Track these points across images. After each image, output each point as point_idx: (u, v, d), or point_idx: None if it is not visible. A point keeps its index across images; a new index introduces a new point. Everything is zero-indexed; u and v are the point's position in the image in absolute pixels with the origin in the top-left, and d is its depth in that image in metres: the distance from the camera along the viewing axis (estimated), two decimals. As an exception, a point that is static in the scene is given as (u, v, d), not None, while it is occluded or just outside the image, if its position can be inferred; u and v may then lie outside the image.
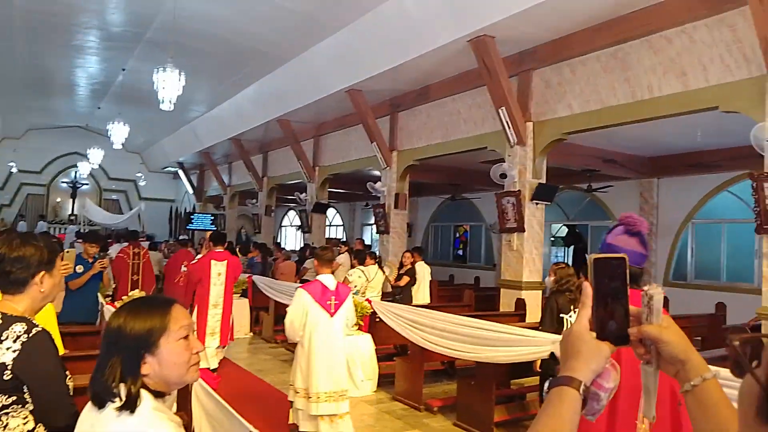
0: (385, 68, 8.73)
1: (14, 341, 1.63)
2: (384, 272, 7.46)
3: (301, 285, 4.96)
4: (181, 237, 20.50)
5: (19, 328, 1.66)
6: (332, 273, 4.53)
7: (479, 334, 4.51)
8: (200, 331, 6.02)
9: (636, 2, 6.08)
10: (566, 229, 14.16)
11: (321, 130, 13.02)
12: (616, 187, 11.20)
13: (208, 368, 5.97)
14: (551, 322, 4.44)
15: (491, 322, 4.70)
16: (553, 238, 14.59)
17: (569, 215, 13.39)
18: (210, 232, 7.79)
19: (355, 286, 6.95)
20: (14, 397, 1.61)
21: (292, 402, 4.39)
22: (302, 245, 13.28)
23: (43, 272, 1.79)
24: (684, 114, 6.14)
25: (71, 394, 1.71)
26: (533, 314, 7.11)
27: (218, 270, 6.25)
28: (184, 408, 2.90)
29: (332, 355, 4.30)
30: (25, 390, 1.63)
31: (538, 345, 4.11)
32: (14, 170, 21.49)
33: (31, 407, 1.64)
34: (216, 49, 10.10)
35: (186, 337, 1.39)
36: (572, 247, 14.13)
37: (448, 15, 7.21)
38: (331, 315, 4.34)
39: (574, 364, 0.89)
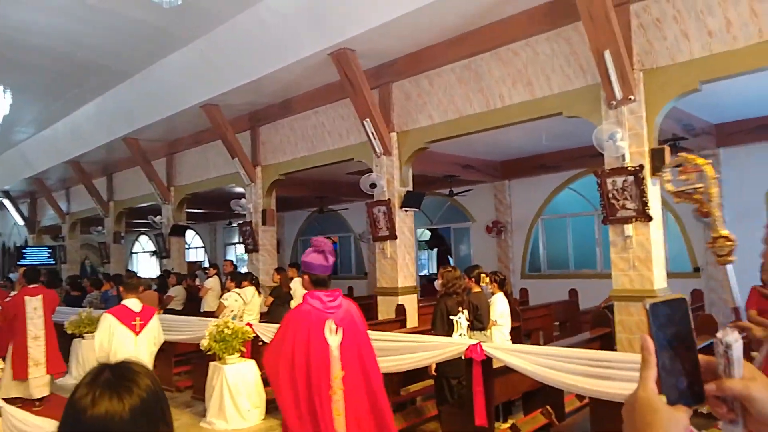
0: (243, 82, 8.43)
1: None
2: (260, 294, 7.13)
3: (106, 310, 5.33)
4: (11, 274, 18.04)
5: None
6: (137, 298, 5.07)
7: (378, 346, 4.45)
8: (22, 362, 6.47)
9: (484, 18, 6.49)
10: (429, 233, 14.74)
11: (174, 147, 12.20)
12: (474, 190, 11.92)
13: (31, 398, 6.42)
14: (442, 324, 4.54)
15: (387, 332, 4.67)
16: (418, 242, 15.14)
17: (432, 219, 13.99)
18: (23, 269, 7.97)
19: (232, 311, 6.55)
20: None
21: None
22: (162, 272, 12.30)
23: None
24: (532, 120, 6.67)
25: None
26: (412, 319, 7.26)
27: (33, 305, 6.68)
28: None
29: None
30: None
31: (434, 349, 4.16)
32: None
33: None
34: (47, 62, 8.97)
35: None
36: (435, 250, 14.73)
37: (307, 28, 7.14)
38: (137, 334, 4.89)
39: None
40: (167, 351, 7.68)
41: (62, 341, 7.27)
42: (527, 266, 11.89)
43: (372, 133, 7.61)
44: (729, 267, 2.38)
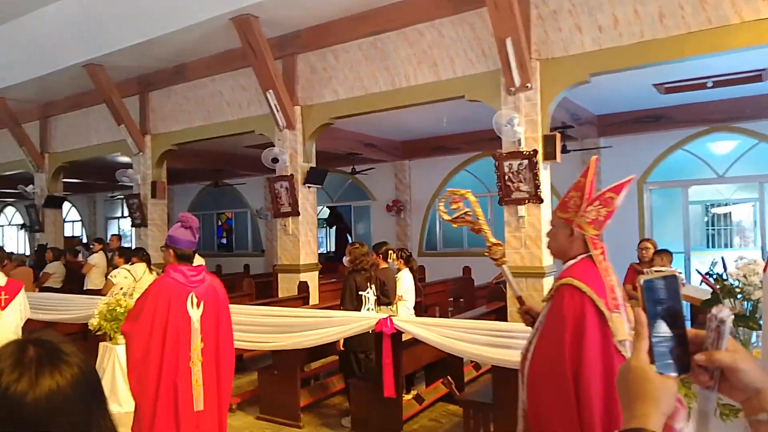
0: (132, 42, 7.79)
1: None
2: (152, 271, 6.72)
3: None
4: None
5: None
6: (2, 272, 4.88)
7: (282, 322, 4.40)
8: None
9: (388, -4, 6.48)
10: (328, 211, 14.70)
11: (50, 110, 11.06)
12: (376, 169, 12.03)
13: None
14: (351, 300, 4.57)
15: (296, 308, 4.61)
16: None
17: (332, 197, 13.94)
18: None
19: (121, 288, 6.13)
20: None
21: None
22: (38, 247, 11.20)
23: None
24: (437, 101, 6.81)
25: None
26: (314, 296, 7.23)
27: None
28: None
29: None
30: None
31: (344, 324, 4.18)
32: None
33: None
34: None
35: None
36: (334, 228, 14.74)
37: (207, -11, 6.73)
38: (2, 309, 4.73)
39: (643, 409, 0.78)
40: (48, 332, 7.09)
41: None
42: (424, 244, 12.26)
43: (275, 106, 7.38)
44: (505, 267, 2.73)
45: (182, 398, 3.10)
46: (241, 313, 4.88)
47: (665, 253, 5.97)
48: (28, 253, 14.81)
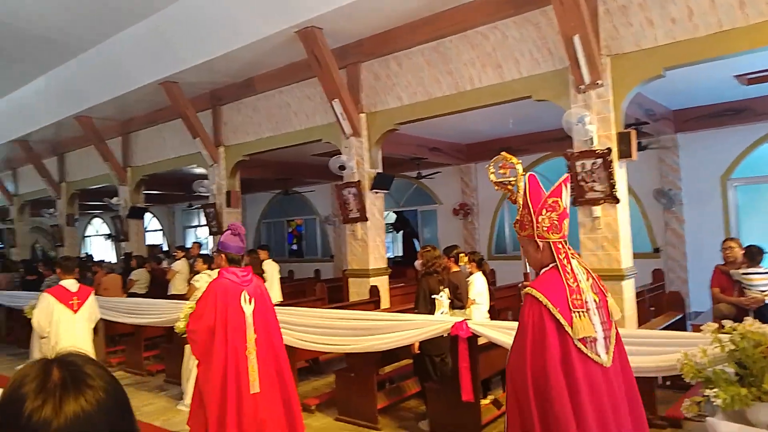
0: (202, 60, 8.15)
1: None
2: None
3: (45, 289, 5.71)
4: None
5: None
6: (75, 279, 5.46)
7: (357, 326, 4.47)
8: None
9: (448, 2, 6.45)
10: (394, 216, 14.78)
11: (129, 126, 11.76)
12: (442, 172, 12.00)
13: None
14: (425, 303, 4.58)
15: (367, 311, 4.69)
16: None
17: (399, 202, 14.02)
18: None
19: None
20: None
21: None
22: (123, 255, 11.90)
23: None
24: (502, 103, 6.72)
25: None
26: (385, 300, 7.30)
27: None
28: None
29: (75, 344, 4.93)
30: None
31: (419, 327, 4.20)
32: None
33: None
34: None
35: None
36: (401, 232, 14.80)
37: (272, 5, 6.96)
38: (75, 312, 5.30)
39: None
40: (136, 336, 7.55)
41: (19, 325, 7.01)
42: (493, 248, 12.09)
43: (341, 114, 7.52)
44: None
45: (242, 383, 3.54)
46: (315, 316, 5.00)
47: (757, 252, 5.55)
48: (115, 260, 15.75)
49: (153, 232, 20.58)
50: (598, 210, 5.64)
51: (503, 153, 2.58)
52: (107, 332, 8.24)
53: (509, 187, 2.61)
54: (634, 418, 2.18)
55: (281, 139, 8.97)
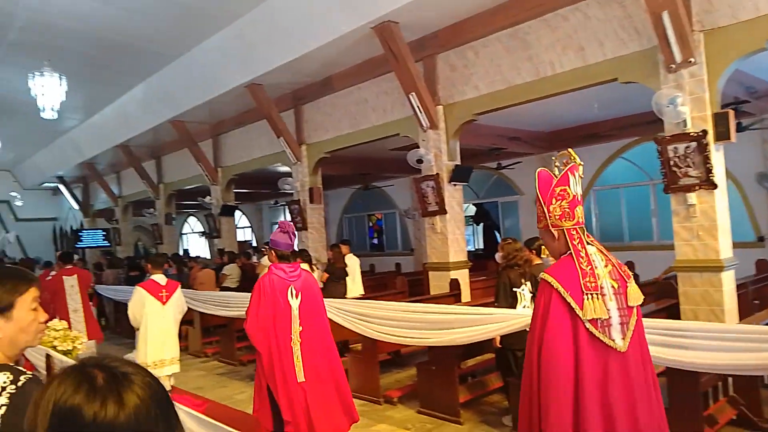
0: (284, 61, 8.41)
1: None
2: (314, 270, 7.23)
3: (138, 284, 6.35)
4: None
5: (2, 378, 1.40)
6: (162, 273, 6.17)
7: (438, 319, 4.48)
8: None
9: (527, -17, 6.26)
10: (474, 208, 14.60)
11: (219, 128, 12.38)
12: (523, 162, 11.70)
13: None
14: (505, 297, 4.50)
15: (448, 305, 4.68)
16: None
17: (478, 194, 13.82)
18: (59, 253, 9.17)
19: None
20: None
21: None
22: (217, 251, 12.60)
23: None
24: (585, 87, 6.43)
25: None
26: (465, 293, 7.23)
27: (71, 283, 7.65)
28: None
29: (164, 332, 6.00)
30: None
31: (500, 321, 4.15)
32: None
33: None
34: (91, 48, 9.17)
35: (35, 309, 1.55)
36: (481, 225, 14.58)
37: (349, 3, 7.05)
38: (164, 303, 5.95)
39: None
40: (229, 328, 7.98)
41: (125, 317, 7.58)
42: (577, 238, 11.64)
43: (418, 107, 7.51)
44: None
45: (288, 372, 3.83)
46: (396, 309, 5.05)
47: None
48: (208, 256, 16.67)
49: (243, 228, 21.60)
50: (693, 197, 5.27)
51: (568, 149, 2.54)
52: (202, 324, 8.76)
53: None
54: (652, 411, 2.17)
55: (360, 135, 9.10)
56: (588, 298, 2.16)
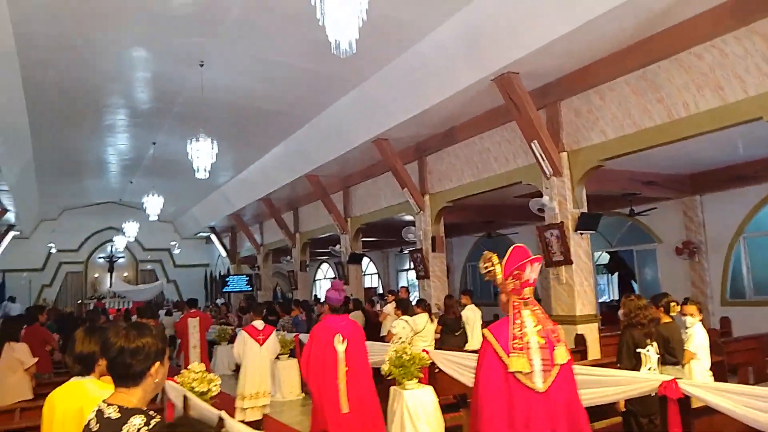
0: (410, 115, 8.79)
1: None
2: (433, 321, 7.26)
3: (242, 328, 7.95)
4: (217, 300, 20.68)
5: (138, 420, 1.65)
6: (262, 320, 7.35)
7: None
8: (186, 363, 8.53)
9: (656, 24, 6.03)
10: (608, 256, 13.78)
11: (348, 181, 13.10)
12: (659, 208, 10.92)
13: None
14: (629, 358, 4.20)
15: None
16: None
17: (611, 241, 13.05)
18: (187, 299, 11.15)
19: (400, 338, 6.74)
20: None
21: (235, 406, 6.92)
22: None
23: (158, 363, 1.78)
24: (725, 128, 5.96)
25: None
26: (594, 350, 6.82)
27: (193, 324, 9.32)
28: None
29: (260, 369, 7.06)
30: None
31: (622, 385, 3.87)
32: (53, 251, 22.05)
33: None
34: (240, 115, 10.34)
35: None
36: (616, 274, 13.70)
37: (468, 57, 7.25)
38: (260, 345, 7.07)
39: None
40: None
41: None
42: (728, 292, 10.46)
43: (540, 155, 7.41)
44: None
45: (334, 405, 4.65)
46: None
47: None
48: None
49: (370, 275, 22.24)
50: None
51: (486, 252, 3.15)
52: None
53: (490, 275, 3.10)
54: None
55: (482, 183, 9.13)
56: (514, 356, 2.70)
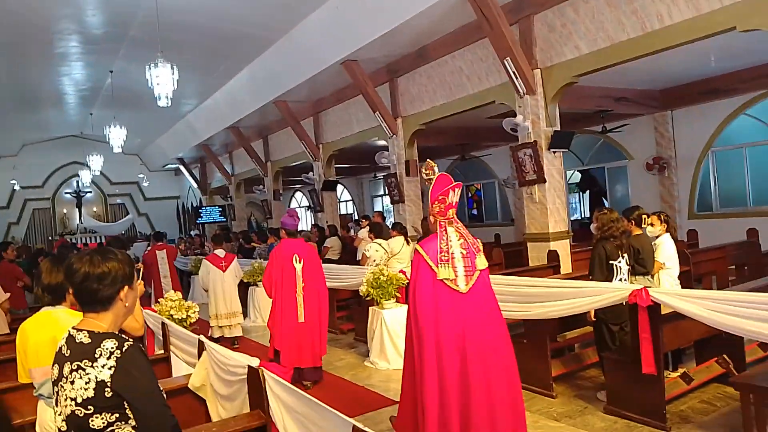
0: (379, 34, 8.45)
1: (108, 358, 1.61)
2: (409, 243, 7.32)
3: (205, 257, 8.84)
4: (192, 232, 20.56)
5: (110, 344, 1.64)
6: (222, 248, 8.04)
7: (530, 292, 4.39)
8: (159, 294, 8.92)
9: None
10: (579, 175, 13.96)
11: (319, 106, 12.76)
12: (631, 124, 10.96)
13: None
14: (601, 270, 4.31)
15: (542, 278, 4.57)
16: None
17: (583, 160, 13.17)
18: (154, 233, 11.65)
19: (374, 261, 6.83)
20: (117, 414, 1.61)
21: (211, 326, 7.72)
22: (313, 226, 13.17)
23: (126, 287, 1.75)
24: (699, 39, 5.87)
25: (167, 404, 1.69)
26: (566, 265, 7.01)
27: (161, 255, 9.80)
28: (260, 406, 2.81)
29: (225, 292, 7.76)
30: (126, 406, 1.61)
31: (593, 295, 3.99)
32: (16, 187, 21.37)
33: (133, 423, 1.63)
34: (201, 38, 9.80)
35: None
36: (587, 192, 13.95)
37: (439, -32, 6.91)
38: (223, 270, 7.76)
39: None
40: (330, 298, 8.30)
41: (240, 289, 8.26)
42: (696, 205, 10.77)
43: (513, 73, 7.26)
44: None
45: (292, 316, 5.46)
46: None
47: None
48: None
49: (345, 202, 22.25)
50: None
51: (428, 161, 3.60)
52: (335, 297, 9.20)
53: (430, 182, 3.49)
54: (492, 330, 3.22)
55: (455, 104, 8.97)
56: (441, 266, 3.22)
